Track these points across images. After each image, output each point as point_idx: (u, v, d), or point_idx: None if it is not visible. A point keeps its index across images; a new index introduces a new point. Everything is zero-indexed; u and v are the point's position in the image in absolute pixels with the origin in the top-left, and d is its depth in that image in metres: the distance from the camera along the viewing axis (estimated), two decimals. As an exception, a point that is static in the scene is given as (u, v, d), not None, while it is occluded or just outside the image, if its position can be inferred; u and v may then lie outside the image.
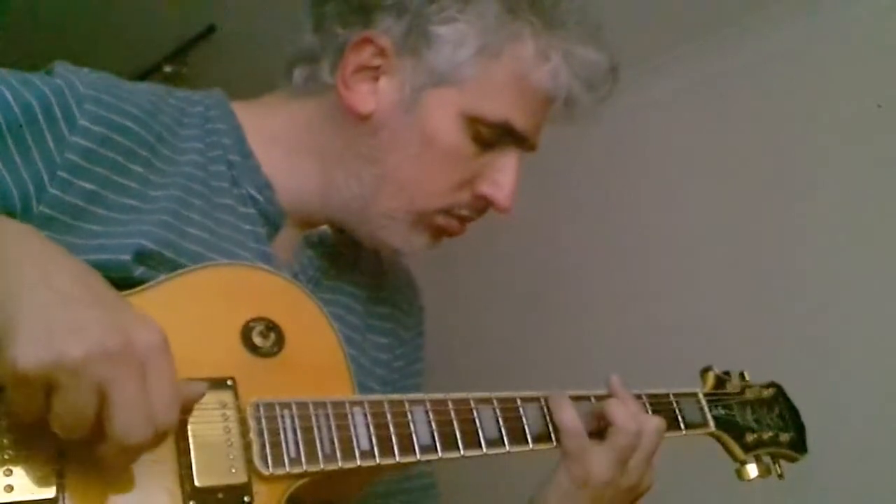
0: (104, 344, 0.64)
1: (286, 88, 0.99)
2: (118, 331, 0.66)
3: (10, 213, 0.80)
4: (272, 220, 0.96)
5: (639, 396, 1.00)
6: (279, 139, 0.97)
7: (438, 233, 0.99)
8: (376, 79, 0.93)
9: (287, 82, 0.99)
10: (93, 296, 0.68)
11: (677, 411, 1.02)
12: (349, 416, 0.82)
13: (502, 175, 0.96)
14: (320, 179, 0.97)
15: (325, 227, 0.99)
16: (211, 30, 2.62)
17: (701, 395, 1.06)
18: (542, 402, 0.94)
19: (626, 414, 0.94)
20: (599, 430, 0.94)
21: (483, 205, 0.98)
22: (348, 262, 1.03)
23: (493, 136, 0.94)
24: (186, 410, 0.74)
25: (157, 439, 0.68)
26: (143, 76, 2.59)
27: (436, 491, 1.10)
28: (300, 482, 0.78)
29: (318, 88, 0.96)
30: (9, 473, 0.67)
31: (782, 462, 1.10)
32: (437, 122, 0.93)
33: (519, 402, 0.92)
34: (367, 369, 1.03)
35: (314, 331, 0.87)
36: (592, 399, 0.97)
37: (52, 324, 0.64)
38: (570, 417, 0.92)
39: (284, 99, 0.99)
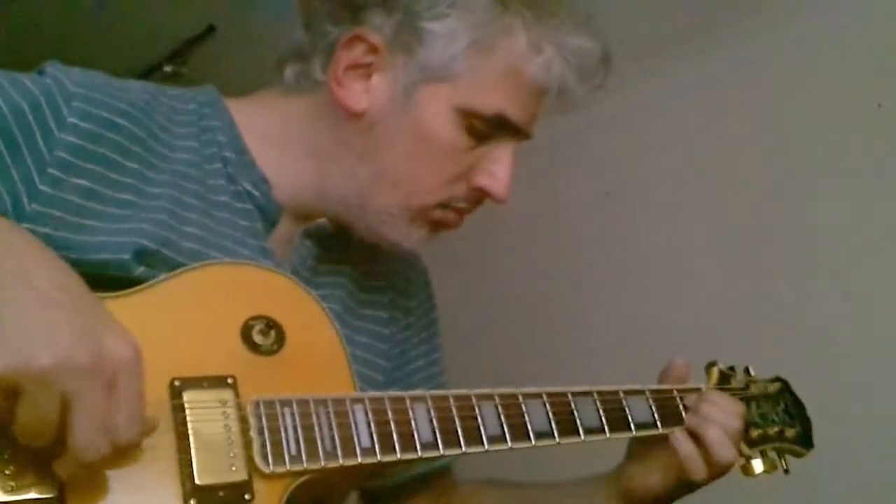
0: (74, 355, 0.64)
1: (278, 86, 0.99)
2: (90, 342, 0.65)
3: (2, 212, 0.79)
4: (269, 216, 0.96)
5: (642, 392, 1.00)
6: (273, 137, 0.97)
7: (436, 226, 0.99)
8: (369, 76, 0.94)
9: (279, 79, 0.99)
10: (70, 301, 0.68)
11: (681, 407, 1.02)
12: (350, 414, 0.82)
13: (498, 166, 0.96)
14: (316, 176, 0.97)
15: (323, 220, 0.99)
16: (211, 30, 2.63)
17: (705, 391, 1.06)
18: (545, 398, 0.93)
19: (725, 445, 0.99)
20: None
21: (480, 196, 0.98)
22: (344, 246, 1.03)
23: (487, 128, 0.94)
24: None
25: (120, 453, 0.68)
26: (143, 76, 2.59)
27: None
28: (301, 480, 0.78)
29: (311, 86, 0.96)
30: (10, 473, 0.67)
31: (788, 457, 1.09)
32: (431, 117, 0.93)
33: (521, 398, 0.92)
34: (369, 346, 1.03)
35: (314, 328, 0.87)
36: (595, 395, 0.97)
37: (26, 327, 0.63)
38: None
39: (277, 96, 0.99)
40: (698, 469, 0.98)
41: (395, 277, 1.10)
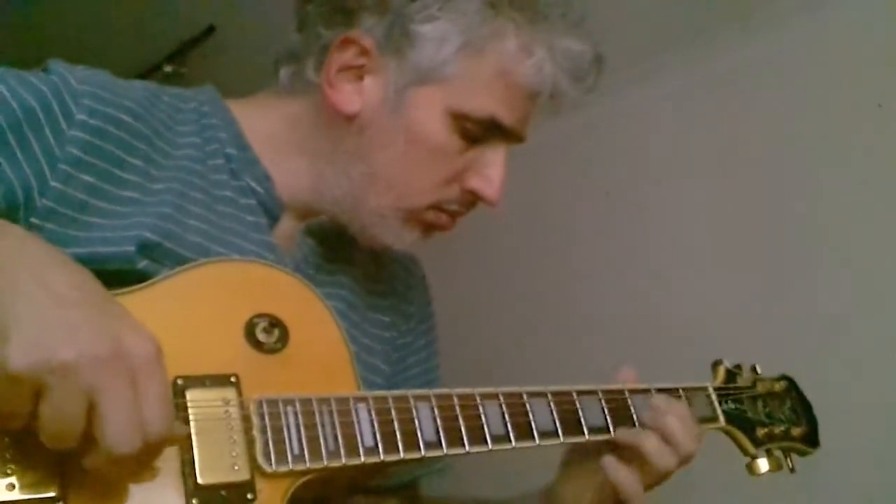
0: (95, 350, 0.64)
1: (274, 87, 1.00)
2: (110, 337, 0.65)
3: (14, 208, 0.80)
4: (271, 211, 0.97)
5: (647, 390, 1.00)
6: (270, 137, 0.97)
7: (428, 228, 0.99)
8: (361, 78, 0.94)
9: (274, 81, 0.99)
10: (88, 300, 0.67)
11: (687, 406, 1.01)
12: (353, 413, 0.81)
13: (490, 169, 0.96)
14: (311, 177, 0.97)
15: (324, 217, 0.99)
16: (211, 30, 2.63)
17: (711, 390, 1.05)
18: (549, 397, 0.93)
19: (665, 454, 0.94)
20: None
21: (472, 199, 0.98)
22: (347, 246, 1.03)
23: (479, 131, 0.94)
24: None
25: (149, 451, 0.67)
26: (143, 76, 2.58)
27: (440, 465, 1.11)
28: (303, 479, 0.77)
29: (305, 87, 0.96)
30: (10, 472, 0.66)
31: (794, 456, 1.09)
32: (422, 119, 0.93)
33: (525, 396, 0.91)
34: (370, 348, 1.03)
35: (318, 327, 0.87)
36: (600, 394, 0.96)
37: (46, 326, 0.63)
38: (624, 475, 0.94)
39: (273, 97, 1.00)
40: (635, 492, 0.94)
41: (396, 282, 1.11)
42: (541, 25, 0.92)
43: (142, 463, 0.67)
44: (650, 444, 0.94)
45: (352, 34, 0.92)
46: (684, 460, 0.96)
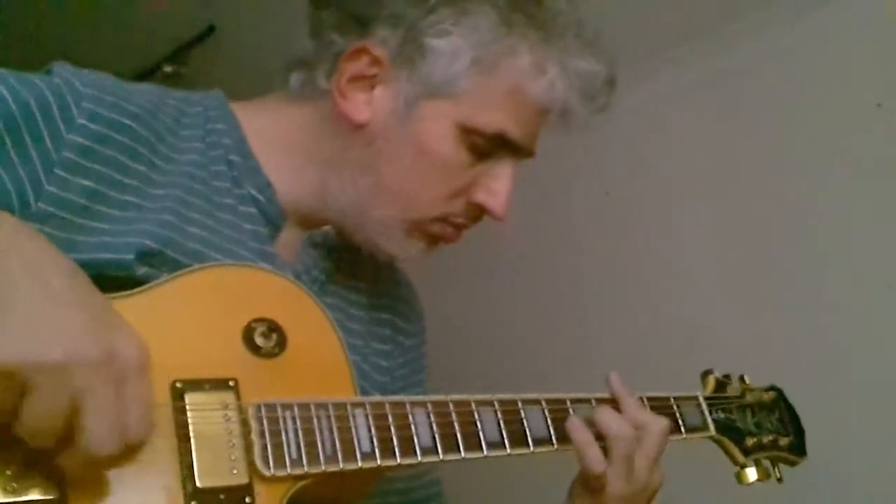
0: (85, 352, 0.64)
1: (283, 91, 0.99)
2: (101, 340, 0.66)
3: (9, 210, 0.79)
4: (273, 220, 0.96)
5: (639, 400, 1.00)
6: (277, 142, 0.97)
7: (434, 240, 0.99)
8: (372, 88, 0.94)
9: (284, 85, 0.99)
10: (80, 299, 0.68)
11: (678, 415, 1.03)
12: (350, 418, 0.82)
13: (497, 183, 0.96)
14: (317, 184, 0.97)
15: (327, 228, 0.99)
16: (211, 30, 2.62)
17: (701, 399, 1.06)
18: (543, 405, 0.94)
19: (619, 422, 0.94)
20: (598, 437, 0.94)
21: (478, 213, 0.99)
22: (349, 267, 1.03)
23: (488, 146, 0.94)
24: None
25: (127, 451, 0.68)
26: (143, 76, 2.58)
27: (437, 489, 1.10)
28: (301, 483, 0.78)
29: (315, 94, 0.96)
30: (10, 473, 0.66)
31: (782, 466, 1.10)
32: (431, 133, 0.93)
33: (520, 404, 0.92)
34: (369, 375, 1.03)
35: (316, 332, 0.87)
36: (593, 402, 0.97)
37: (36, 322, 0.63)
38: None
39: (282, 102, 0.99)
40: (597, 464, 0.93)
41: (395, 313, 1.11)
42: (554, 44, 0.92)
43: (117, 461, 0.68)
44: (604, 413, 0.94)
45: (365, 44, 0.92)
46: (655, 431, 0.95)
